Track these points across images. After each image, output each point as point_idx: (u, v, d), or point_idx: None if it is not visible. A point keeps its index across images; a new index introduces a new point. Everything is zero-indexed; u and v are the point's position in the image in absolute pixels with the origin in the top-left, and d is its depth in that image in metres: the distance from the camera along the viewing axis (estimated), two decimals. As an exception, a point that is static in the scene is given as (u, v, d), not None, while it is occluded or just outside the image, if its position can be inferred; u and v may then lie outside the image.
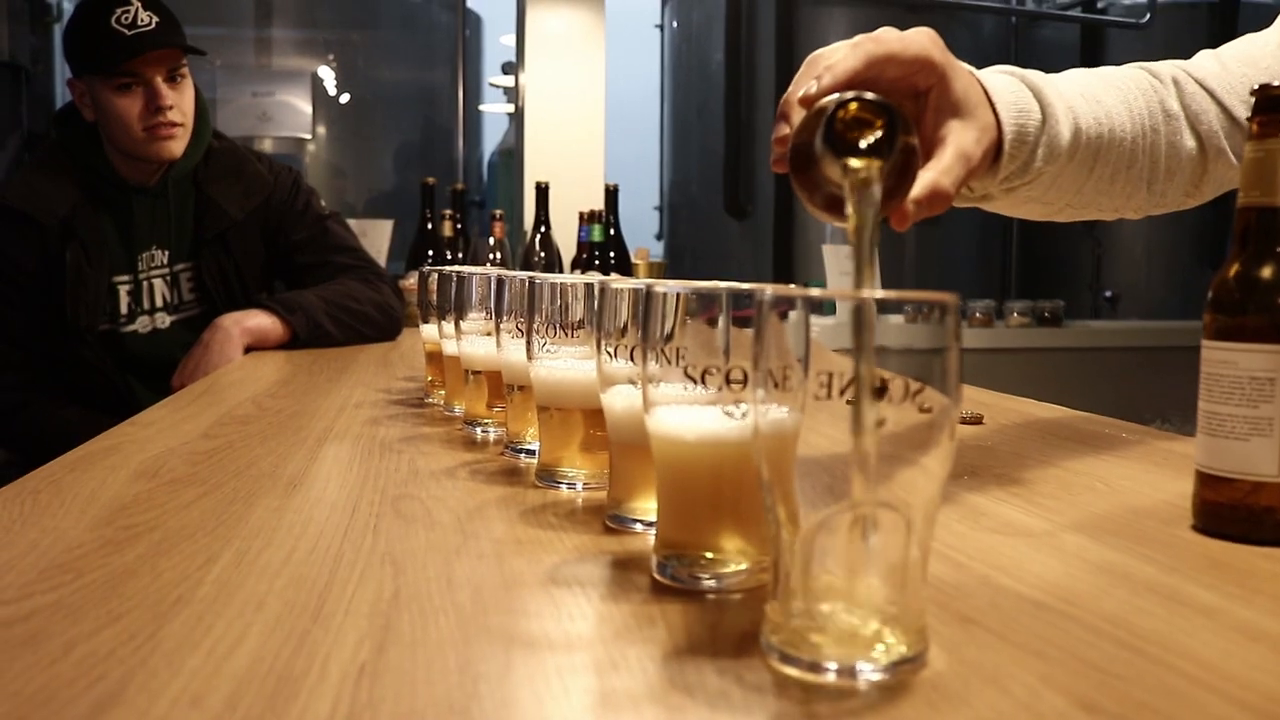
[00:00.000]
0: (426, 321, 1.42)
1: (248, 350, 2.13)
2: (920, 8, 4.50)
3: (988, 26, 4.90)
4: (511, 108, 4.43)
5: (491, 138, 5.61)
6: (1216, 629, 0.59)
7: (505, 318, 1.01)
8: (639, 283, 0.74)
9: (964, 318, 4.04)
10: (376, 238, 3.12)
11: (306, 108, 4.35)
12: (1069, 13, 5.17)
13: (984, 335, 4.06)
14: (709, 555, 0.64)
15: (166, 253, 2.26)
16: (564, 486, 0.89)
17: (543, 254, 3.00)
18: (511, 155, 4.13)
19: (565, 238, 3.13)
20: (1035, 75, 0.95)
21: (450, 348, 1.25)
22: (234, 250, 2.30)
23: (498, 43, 5.17)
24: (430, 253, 2.97)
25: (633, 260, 3.11)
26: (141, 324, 2.24)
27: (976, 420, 1.29)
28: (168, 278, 2.26)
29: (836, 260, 3.60)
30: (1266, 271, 0.75)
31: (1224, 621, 0.60)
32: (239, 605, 0.59)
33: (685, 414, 0.63)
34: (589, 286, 0.86)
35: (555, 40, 3.66)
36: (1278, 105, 0.75)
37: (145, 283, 2.24)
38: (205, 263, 2.28)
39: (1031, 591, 0.64)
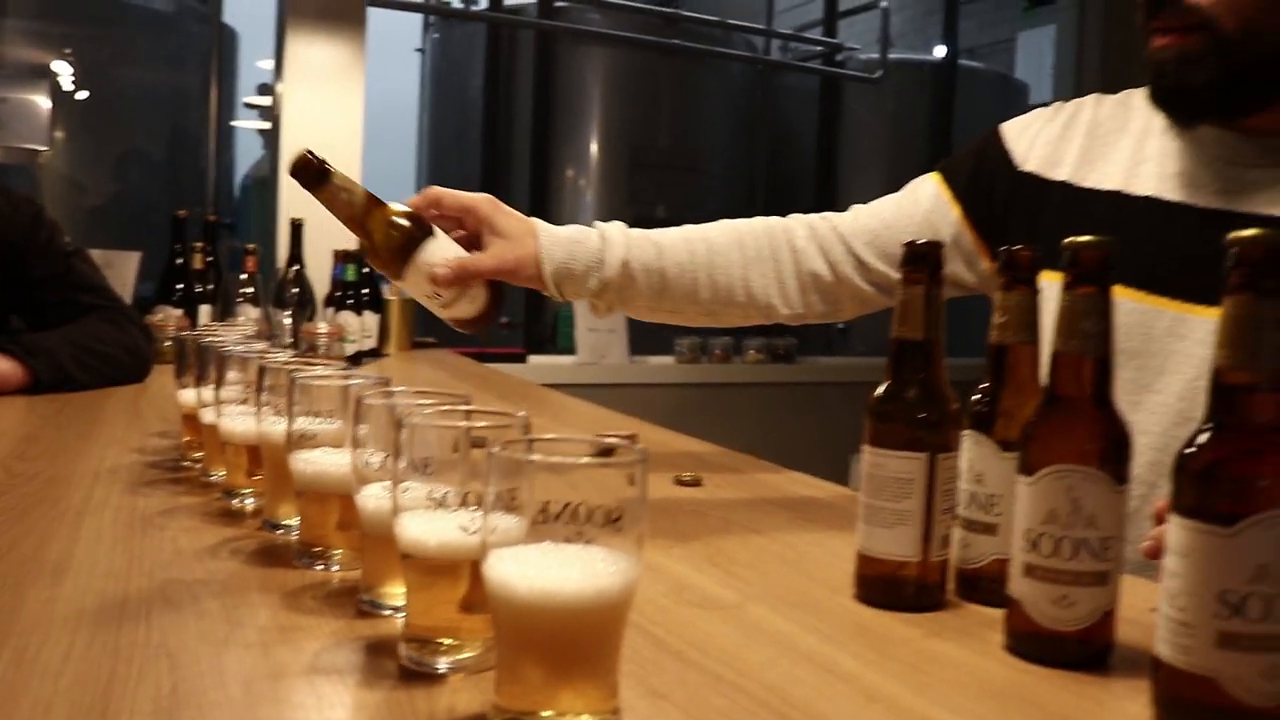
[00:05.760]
0: (183, 386, 1.44)
1: (-15, 394, 2.06)
2: (672, 51, 4.72)
3: (736, 72, 5.19)
4: (267, 125, 4.37)
5: (244, 153, 5.51)
6: (849, 693, 0.75)
7: (265, 393, 1.08)
8: (393, 397, 0.85)
9: (704, 354, 4.30)
10: (122, 269, 3.04)
11: (45, 111, 4.12)
12: (809, 64, 5.55)
13: (722, 371, 4.34)
14: (447, 641, 0.76)
15: (-108, 289, 2.16)
16: (319, 567, 0.98)
17: (296, 291, 3.01)
18: (266, 184, 4.09)
19: (320, 274, 3.15)
20: (621, 233, 1.38)
21: (209, 416, 1.29)
22: (-32, 287, 2.22)
23: (254, 65, 5.08)
24: (180, 285, 2.92)
25: (385, 297, 3.17)
26: None
27: (696, 483, 1.44)
28: (-106, 315, 2.17)
29: (585, 316, 3.80)
30: (910, 393, 0.93)
31: (856, 686, 0.76)
32: (26, 710, 0.66)
33: (428, 525, 0.74)
34: (345, 390, 0.96)
35: (314, 75, 3.65)
36: (919, 259, 0.94)
37: None
38: (-63, 300, 2.19)
39: (715, 665, 0.79)
